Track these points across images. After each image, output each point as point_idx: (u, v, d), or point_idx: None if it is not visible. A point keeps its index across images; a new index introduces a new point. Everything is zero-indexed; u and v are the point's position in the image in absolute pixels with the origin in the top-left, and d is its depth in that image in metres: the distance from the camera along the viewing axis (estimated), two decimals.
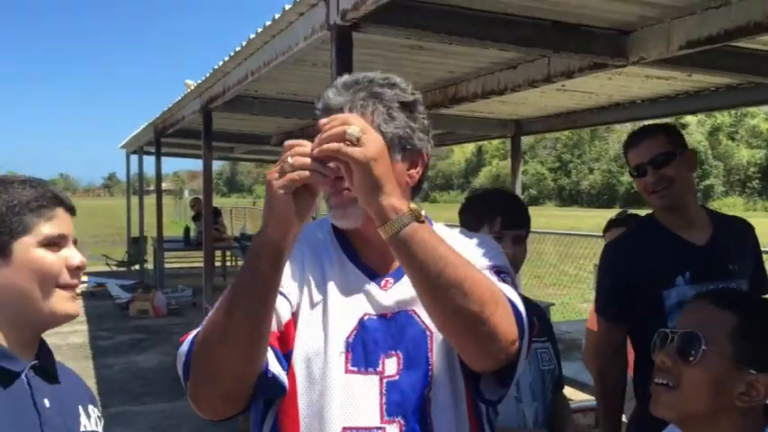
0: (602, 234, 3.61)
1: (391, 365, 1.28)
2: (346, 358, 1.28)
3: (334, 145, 1.09)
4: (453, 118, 7.30)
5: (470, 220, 2.08)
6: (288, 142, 1.12)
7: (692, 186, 2.37)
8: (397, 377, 1.28)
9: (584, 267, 12.13)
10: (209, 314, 1.23)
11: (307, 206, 1.12)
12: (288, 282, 1.30)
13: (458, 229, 1.47)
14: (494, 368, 1.22)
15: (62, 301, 1.30)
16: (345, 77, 1.33)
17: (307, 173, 1.09)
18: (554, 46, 3.66)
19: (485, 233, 1.98)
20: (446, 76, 5.37)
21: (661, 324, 2.17)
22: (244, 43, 4.52)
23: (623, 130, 64.61)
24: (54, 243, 1.29)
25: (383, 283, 1.35)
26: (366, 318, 1.31)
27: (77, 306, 1.35)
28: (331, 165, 1.12)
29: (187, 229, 13.27)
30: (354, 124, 1.10)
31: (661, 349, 1.41)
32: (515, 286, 1.33)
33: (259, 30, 4.14)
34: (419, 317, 1.31)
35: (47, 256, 1.28)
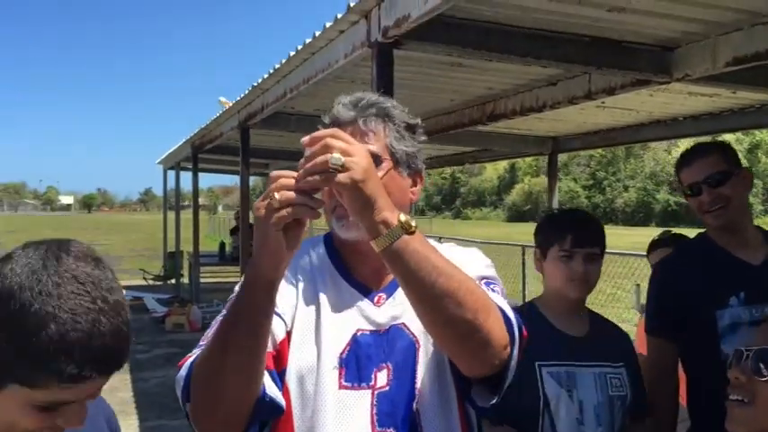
0: (638, 253, 3.55)
1: (382, 377, 1.31)
2: (340, 374, 1.30)
3: (318, 178, 1.07)
4: (489, 135, 7.28)
5: (542, 240, 2.11)
6: (273, 173, 1.11)
7: (748, 206, 2.32)
8: (387, 388, 1.30)
9: (620, 286, 11.93)
10: (205, 344, 1.24)
11: (296, 237, 1.12)
12: (282, 301, 1.31)
13: (447, 244, 1.50)
14: (488, 373, 1.25)
15: None
16: (350, 96, 1.38)
17: (295, 208, 1.08)
18: (596, 63, 3.63)
19: (555, 252, 2.04)
20: (484, 93, 5.36)
21: (713, 345, 2.13)
22: (283, 61, 4.56)
23: (659, 147, 64.12)
24: (55, 408, 0.97)
25: (376, 299, 1.38)
26: (359, 333, 1.33)
27: None
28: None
29: (222, 245, 13.41)
30: (335, 147, 1.07)
31: (736, 366, 1.42)
32: (504, 295, 1.37)
33: (299, 47, 4.17)
34: (408, 329, 1.34)
35: (33, 418, 0.97)
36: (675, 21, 3.35)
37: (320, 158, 1.07)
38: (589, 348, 2.03)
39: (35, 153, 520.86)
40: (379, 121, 1.34)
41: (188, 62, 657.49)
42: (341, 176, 1.07)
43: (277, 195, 1.06)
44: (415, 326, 1.32)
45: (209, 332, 1.28)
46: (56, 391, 0.94)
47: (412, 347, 1.33)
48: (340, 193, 1.11)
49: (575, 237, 2.02)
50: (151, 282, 14.71)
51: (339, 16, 3.47)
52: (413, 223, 1.14)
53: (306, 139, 1.10)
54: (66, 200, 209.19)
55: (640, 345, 3.01)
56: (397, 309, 1.35)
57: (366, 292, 1.38)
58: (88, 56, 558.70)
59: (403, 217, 1.13)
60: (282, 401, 1.27)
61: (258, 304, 1.15)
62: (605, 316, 2.23)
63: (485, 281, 1.35)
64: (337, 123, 1.32)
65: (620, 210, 66.78)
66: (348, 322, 1.34)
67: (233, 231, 8.91)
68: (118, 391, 6.96)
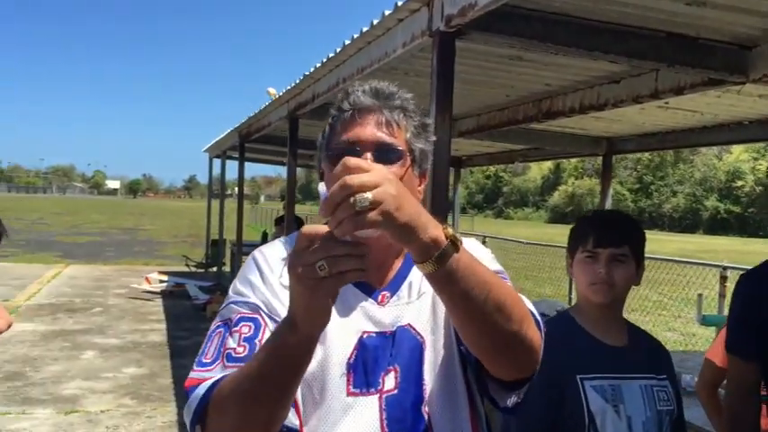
0: (684, 260, 3.36)
1: (390, 381, 1.25)
2: (348, 380, 1.24)
3: (349, 226, 0.92)
4: (541, 133, 7.07)
5: (570, 243, 2.01)
6: (304, 231, 0.97)
7: None
8: (395, 391, 1.25)
9: (666, 294, 11.64)
10: (230, 388, 1.12)
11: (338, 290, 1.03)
12: (285, 310, 1.20)
13: None
14: (527, 375, 1.21)
15: None
16: (366, 84, 1.31)
17: (347, 274, 0.96)
18: (668, 59, 3.43)
19: (579, 254, 1.95)
20: (541, 89, 5.18)
21: None
22: (338, 49, 4.45)
23: (710, 152, 62.49)
24: None
25: (380, 297, 1.31)
26: (365, 336, 1.27)
27: None
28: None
29: (265, 235, 13.43)
30: (355, 185, 0.92)
31: None
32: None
33: (355, 36, 4.06)
34: (414, 329, 1.29)
35: None
36: (756, 17, 3.15)
37: (347, 204, 0.92)
38: (631, 359, 1.90)
39: (85, 137, 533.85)
40: (401, 113, 1.29)
41: (235, 50, 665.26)
42: (372, 216, 0.92)
43: (327, 266, 0.94)
44: (421, 325, 1.29)
45: (210, 348, 1.21)
46: None
47: (418, 348, 1.28)
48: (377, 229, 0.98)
49: (597, 236, 1.91)
50: (193, 269, 14.85)
51: (399, 4, 3.34)
52: (458, 236, 1.03)
53: (321, 188, 1.00)
54: (113, 184, 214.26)
55: (714, 354, 2.83)
56: (402, 308, 1.30)
57: (369, 290, 1.30)
58: (140, 44, 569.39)
59: (449, 229, 1.02)
60: (297, 423, 1.22)
61: (302, 364, 1.08)
62: (650, 324, 2.08)
63: (499, 276, 1.25)
64: (359, 109, 1.27)
65: (668, 215, 65.39)
66: (353, 324, 1.27)
67: (278, 221, 8.84)
68: (157, 377, 6.99)
